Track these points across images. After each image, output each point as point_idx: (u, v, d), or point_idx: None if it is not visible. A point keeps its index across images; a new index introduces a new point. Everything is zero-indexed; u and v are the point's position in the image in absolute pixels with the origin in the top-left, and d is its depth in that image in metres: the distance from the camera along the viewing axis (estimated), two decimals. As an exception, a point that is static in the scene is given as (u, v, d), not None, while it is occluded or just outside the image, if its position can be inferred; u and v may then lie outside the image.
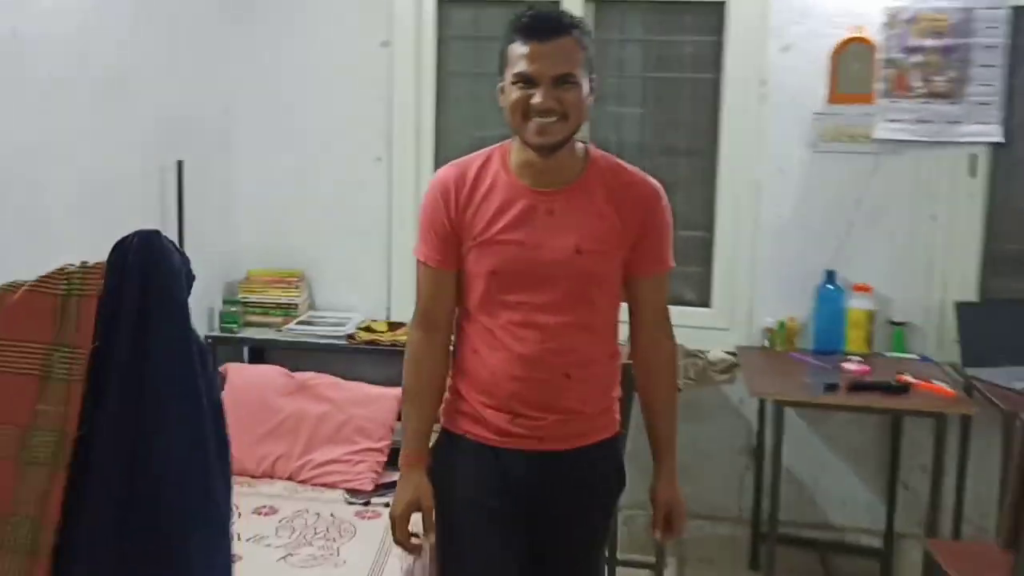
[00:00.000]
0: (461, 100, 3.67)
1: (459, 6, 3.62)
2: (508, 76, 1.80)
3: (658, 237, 1.92)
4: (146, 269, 1.04)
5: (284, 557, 2.44)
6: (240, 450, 2.94)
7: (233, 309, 3.50)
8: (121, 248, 1.04)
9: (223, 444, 1.10)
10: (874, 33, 3.31)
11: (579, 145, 1.89)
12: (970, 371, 3.17)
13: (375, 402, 3.02)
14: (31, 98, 2.47)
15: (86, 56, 2.69)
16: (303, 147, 3.64)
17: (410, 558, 2.50)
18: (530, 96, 1.76)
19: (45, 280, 1.04)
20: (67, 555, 1.01)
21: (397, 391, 3.03)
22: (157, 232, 1.06)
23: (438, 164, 3.59)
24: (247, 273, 3.62)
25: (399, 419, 3.03)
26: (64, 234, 2.57)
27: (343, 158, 3.63)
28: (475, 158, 1.91)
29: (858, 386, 2.98)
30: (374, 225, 3.62)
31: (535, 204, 1.84)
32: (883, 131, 3.35)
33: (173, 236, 3.14)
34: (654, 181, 1.94)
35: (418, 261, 1.93)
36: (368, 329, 3.40)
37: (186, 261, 1.08)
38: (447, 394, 1.98)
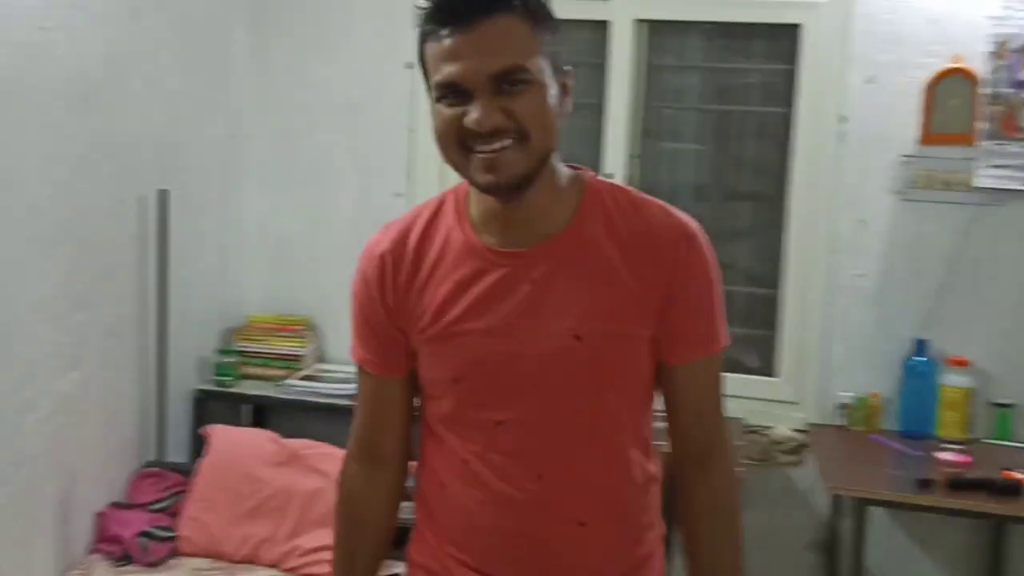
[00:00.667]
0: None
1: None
2: (431, 92, 1.22)
3: (696, 301, 1.30)
4: None
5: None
6: (219, 529, 2.57)
7: (229, 360, 3.11)
8: None
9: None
10: (977, 64, 2.85)
11: (564, 172, 1.29)
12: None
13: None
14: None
15: (54, 55, 2.34)
16: (315, 179, 3.30)
17: None
18: (462, 116, 1.17)
19: None
20: None
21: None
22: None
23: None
24: (247, 319, 3.24)
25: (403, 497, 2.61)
26: (21, 274, 2.21)
27: (359, 193, 3.28)
28: (420, 213, 1.34)
29: (959, 483, 2.49)
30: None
31: (506, 273, 1.26)
32: (986, 178, 2.87)
33: (152, 275, 2.77)
34: (686, 219, 1.32)
35: (358, 371, 1.40)
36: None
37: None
38: (412, 534, 1.43)
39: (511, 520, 1.29)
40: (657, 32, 3.16)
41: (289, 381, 3.09)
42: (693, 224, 1.31)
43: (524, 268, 1.26)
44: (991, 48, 2.84)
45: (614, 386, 1.29)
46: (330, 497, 2.54)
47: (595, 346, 1.25)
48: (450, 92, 1.17)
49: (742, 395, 2.89)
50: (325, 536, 2.51)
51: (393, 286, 1.30)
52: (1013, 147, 2.85)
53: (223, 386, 3.09)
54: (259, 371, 3.16)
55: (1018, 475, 2.53)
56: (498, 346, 1.25)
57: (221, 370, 3.10)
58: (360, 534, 1.41)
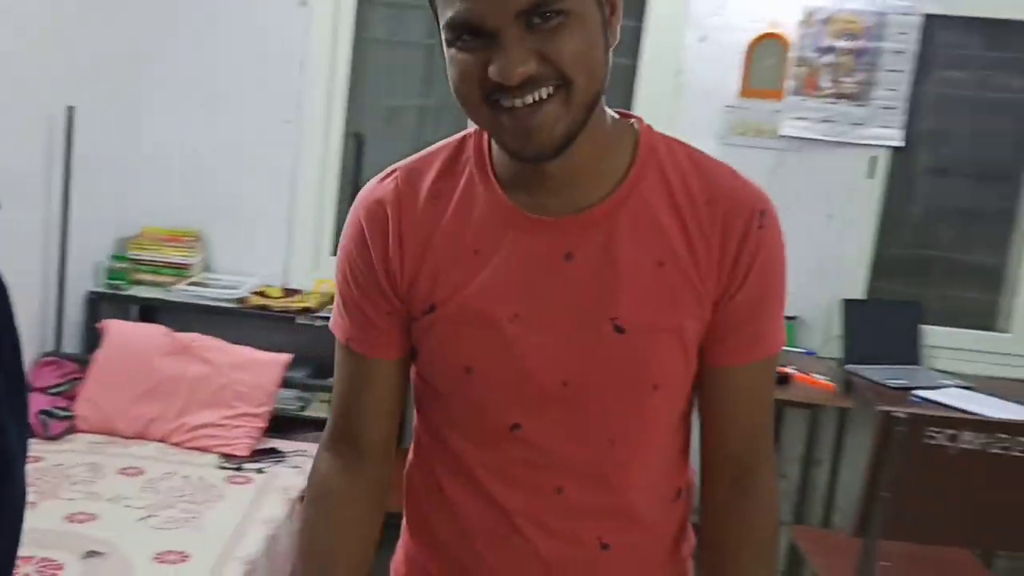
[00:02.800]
0: (378, 68, 3.60)
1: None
2: (442, 32, 0.95)
3: (762, 292, 1.05)
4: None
5: (143, 518, 2.36)
6: (114, 410, 2.88)
7: (122, 266, 3.39)
8: None
9: (17, 384, 1.06)
10: (790, 30, 3.33)
11: (611, 121, 1.04)
12: (851, 368, 3.22)
13: (257, 367, 2.95)
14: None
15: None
16: (212, 102, 3.53)
17: (274, 525, 2.45)
18: (485, 64, 0.91)
19: None
20: None
21: (281, 357, 2.99)
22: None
23: (347, 132, 3.53)
24: (141, 230, 3.51)
25: (282, 385, 2.99)
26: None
27: (252, 117, 3.53)
28: (433, 156, 1.08)
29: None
30: (277, 189, 3.53)
31: (540, 245, 1.02)
32: (789, 128, 3.37)
33: (58, 187, 3.04)
34: (761, 191, 1.07)
35: (337, 348, 1.13)
36: (261, 294, 3.32)
37: None
38: (398, 553, 1.22)
39: (520, 541, 1.07)
40: None
41: (178, 287, 3.39)
42: (767, 198, 1.07)
43: (562, 240, 1.01)
44: (801, 17, 3.33)
45: (659, 388, 1.04)
46: (215, 382, 2.93)
47: (641, 339, 1.02)
48: (467, 32, 0.92)
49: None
50: (209, 415, 2.88)
51: (397, 245, 1.04)
52: (811, 103, 3.36)
53: (115, 289, 3.36)
54: (150, 277, 3.43)
55: (790, 371, 3.07)
56: (524, 334, 1.02)
57: (114, 275, 3.37)
58: (338, 543, 1.10)
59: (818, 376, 3.07)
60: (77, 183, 3.09)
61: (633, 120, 1.07)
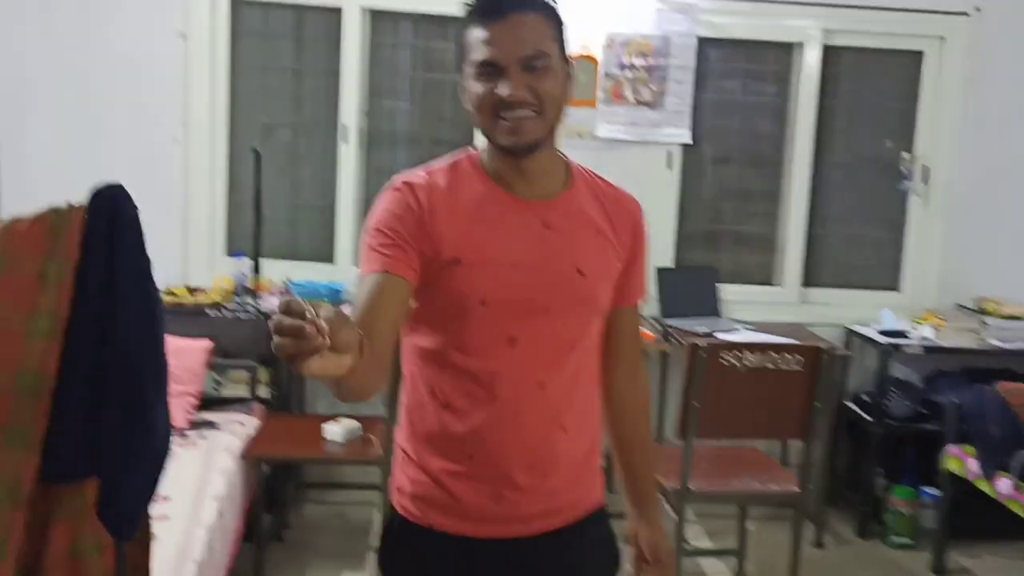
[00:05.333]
0: (252, 91, 4.13)
1: (250, 6, 4.08)
2: (468, 69, 1.46)
3: (643, 260, 1.66)
4: (116, 208, 1.53)
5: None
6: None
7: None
8: (97, 194, 1.53)
9: (162, 328, 1.62)
10: (597, 51, 4.12)
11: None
12: (668, 321, 4.06)
13: (184, 352, 3.43)
14: None
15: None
16: (104, 127, 3.94)
17: (230, 473, 2.98)
18: (495, 88, 1.43)
19: (42, 213, 1.51)
20: (58, 403, 1.49)
21: (203, 343, 3.51)
22: (122, 186, 1.55)
23: (232, 146, 4.05)
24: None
25: (207, 368, 3.51)
26: None
27: (142, 137, 3.97)
28: (437, 167, 1.55)
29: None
30: (171, 199, 4.00)
31: (528, 217, 1.51)
32: (602, 131, 4.18)
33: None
34: (632, 195, 1.68)
35: (360, 281, 1.47)
36: (170, 293, 3.80)
37: (136, 209, 1.58)
38: (394, 466, 1.63)
39: (514, 424, 1.50)
40: (378, 20, 4.14)
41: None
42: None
43: (540, 215, 1.51)
44: (605, 42, 4.13)
45: (599, 313, 1.58)
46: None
47: (593, 281, 1.53)
48: (487, 69, 1.43)
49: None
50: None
51: (430, 214, 1.47)
52: (619, 109, 4.18)
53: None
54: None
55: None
56: (520, 276, 1.48)
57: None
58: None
59: (642, 329, 3.87)
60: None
61: (561, 154, 1.60)
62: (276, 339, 1.03)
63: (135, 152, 3.97)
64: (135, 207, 1.54)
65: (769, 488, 3.28)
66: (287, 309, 1.03)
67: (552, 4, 1.51)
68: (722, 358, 3.12)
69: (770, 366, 3.14)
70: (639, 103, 4.18)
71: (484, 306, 1.47)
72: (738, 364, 3.14)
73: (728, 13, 4.21)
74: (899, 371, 4.25)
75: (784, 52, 4.36)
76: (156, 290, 1.58)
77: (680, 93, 4.20)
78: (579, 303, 1.54)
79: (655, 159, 4.25)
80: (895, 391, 4.03)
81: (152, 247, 3.85)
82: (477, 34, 1.45)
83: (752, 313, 4.27)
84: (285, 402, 3.86)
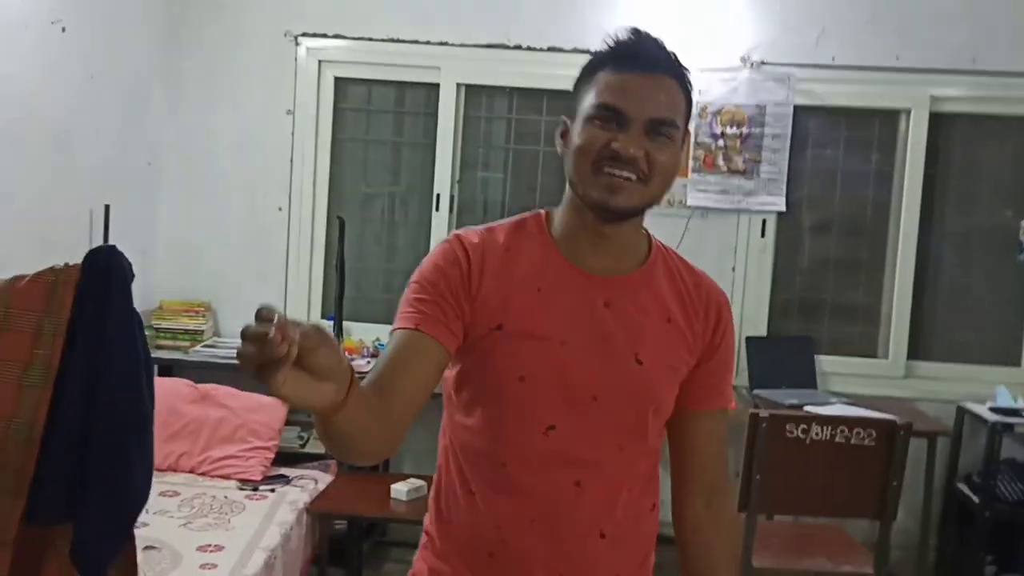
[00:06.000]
0: (353, 162, 4.35)
1: (354, 83, 4.32)
2: (584, 109, 1.33)
3: (726, 359, 1.45)
4: (109, 268, 1.67)
5: (184, 524, 3.02)
6: (150, 448, 3.53)
7: (146, 334, 4.06)
8: (93, 254, 1.68)
9: (150, 380, 1.74)
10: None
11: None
12: (757, 392, 3.94)
13: (265, 409, 3.62)
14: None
15: (36, 111, 3.28)
16: (216, 196, 4.25)
17: (287, 527, 3.09)
18: (611, 138, 1.29)
19: (42, 272, 1.67)
20: (46, 450, 1.62)
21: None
22: (115, 248, 1.69)
23: (330, 213, 4.26)
24: (160, 303, 4.20)
25: (286, 424, 3.66)
26: (4, 264, 3.12)
27: (250, 207, 4.25)
28: (499, 226, 1.42)
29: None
30: (273, 263, 4.25)
31: (588, 292, 1.36)
32: (694, 199, 4.14)
33: (100, 267, 3.73)
34: (718, 285, 1.49)
35: (390, 335, 1.34)
36: (265, 352, 4.00)
37: (131, 269, 1.72)
38: (419, 548, 1.47)
39: (544, 525, 1.34)
40: (472, 94, 4.30)
41: (193, 349, 4.07)
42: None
43: (603, 293, 1.36)
44: (696, 111, 4.13)
45: (657, 411, 1.39)
46: (232, 422, 3.58)
47: (652, 372, 1.35)
48: (609, 115, 1.29)
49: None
50: (228, 449, 3.54)
51: (480, 273, 1.34)
52: (710, 178, 4.14)
53: (142, 353, 4.03)
54: (169, 342, 4.12)
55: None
56: (569, 356, 1.32)
57: (141, 341, 4.05)
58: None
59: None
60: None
61: (646, 231, 1.46)
62: (240, 347, 0.93)
63: (246, 221, 4.25)
64: (128, 267, 1.67)
65: (841, 569, 3.10)
66: (256, 316, 0.92)
67: (688, 75, 1.38)
68: (787, 430, 3.00)
69: (839, 440, 3.01)
70: (732, 172, 4.14)
71: (522, 382, 1.32)
72: (804, 437, 3.02)
73: (828, 81, 4.12)
74: (1016, 452, 3.95)
75: (889, 119, 4.22)
76: (144, 344, 1.70)
77: (775, 161, 4.13)
78: (633, 395, 1.35)
79: (748, 227, 4.18)
80: (1007, 472, 3.75)
81: (254, 309, 4.15)
82: (612, 77, 1.32)
83: (853, 386, 4.10)
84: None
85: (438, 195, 4.21)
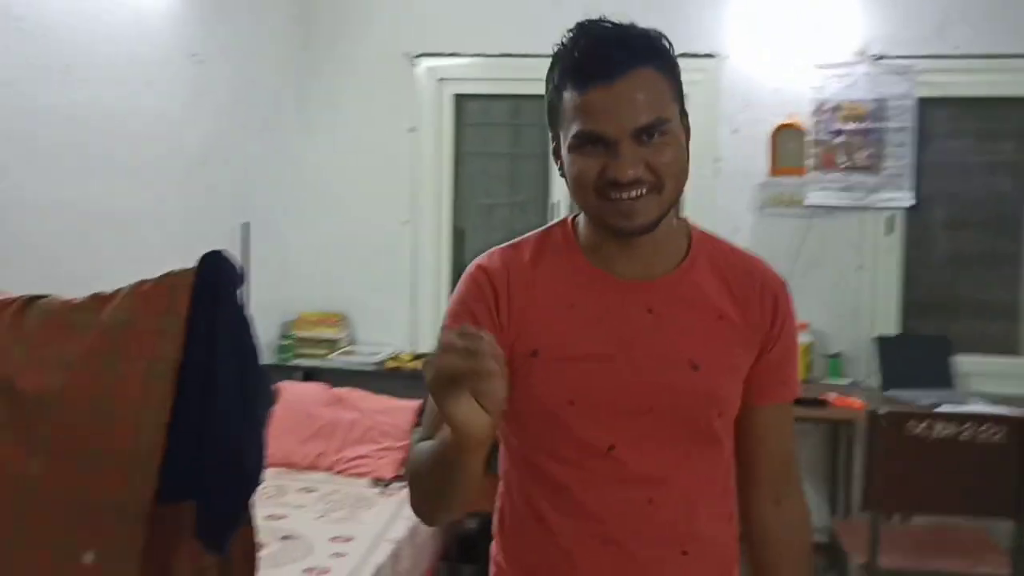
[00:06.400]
0: (473, 175, 4.51)
1: (472, 99, 4.48)
2: (566, 137, 1.22)
3: (788, 347, 1.34)
4: (217, 271, 1.84)
5: (319, 517, 3.21)
6: (291, 448, 3.75)
7: (287, 342, 4.33)
8: (204, 259, 1.86)
9: (260, 373, 1.90)
10: (804, 119, 4.07)
11: (674, 216, 1.31)
12: (890, 393, 3.83)
13: (396, 411, 3.79)
14: (138, 171, 3.33)
15: (181, 139, 3.57)
16: (346, 212, 4.49)
17: (416, 521, 3.23)
18: (604, 166, 1.19)
19: (162, 277, 1.86)
20: (171, 437, 1.81)
21: (415, 403, 3.83)
22: (223, 252, 1.86)
23: (455, 225, 4.42)
24: (299, 314, 4.46)
25: (416, 425, 3.83)
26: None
27: (377, 221, 4.46)
28: (525, 241, 1.35)
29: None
30: (402, 275, 4.44)
31: (626, 301, 1.27)
32: (814, 198, 4.08)
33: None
34: (777, 272, 1.37)
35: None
36: (395, 359, 4.20)
37: (242, 272, 1.88)
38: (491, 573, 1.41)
39: (616, 550, 1.26)
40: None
41: (331, 356, 4.30)
42: (781, 276, 1.35)
43: (643, 299, 1.27)
44: (813, 108, 4.07)
45: (723, 414, 1.30)
46: (365, 424, 3.77)
47: (711, 376, 1.26)
48: (591, 141, 1.18)
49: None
50: (362, 449, 3.73)
51: (506, 300, 1.27)
52: (831, 176, 4.07)
53: (283, 361, 4.30)
54: (308, 350, 4.37)
55: (828, 396, 3.71)
56: (617, 371, 1.24)
57: (281, 350, 4.32)
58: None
59: (854, 399, 3.70)
60: (253, 281, 4.04)
61: (686, 218, 1.37)
62: (441, 358, 0.94)
63: (373, 235, 4.46)
64: (236, 268, 1.83)
65: (975, 570, 3.00)
66: (461, 332, 0.95)
67: (667, 49, 1.24)
68: (908, 428, 2.94)
69: (964, 437, 2.91)
70: (854, 168, 4.06)
71: (573, 406, 1.25)
72: (927, 435, 2.94)
73: (952, 71, 3.99)
74: None
75: (1020, 107, 4.04)
76: (250, 338, 1.86)
77: (900, 156, 4.02)
78: (693, 403, 1.27)
79: (874, 225, 4.08)
80: None
81: (385, 318, 4.29)
82: (577, 99, 1.19)
83: (993, 385, 3.93)
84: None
85: (554, 204, 4.31)
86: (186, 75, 3.58)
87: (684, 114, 1.27)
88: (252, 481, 1.85)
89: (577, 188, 1.24)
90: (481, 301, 1.29)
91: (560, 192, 4.32)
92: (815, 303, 4.09)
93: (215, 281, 1.83)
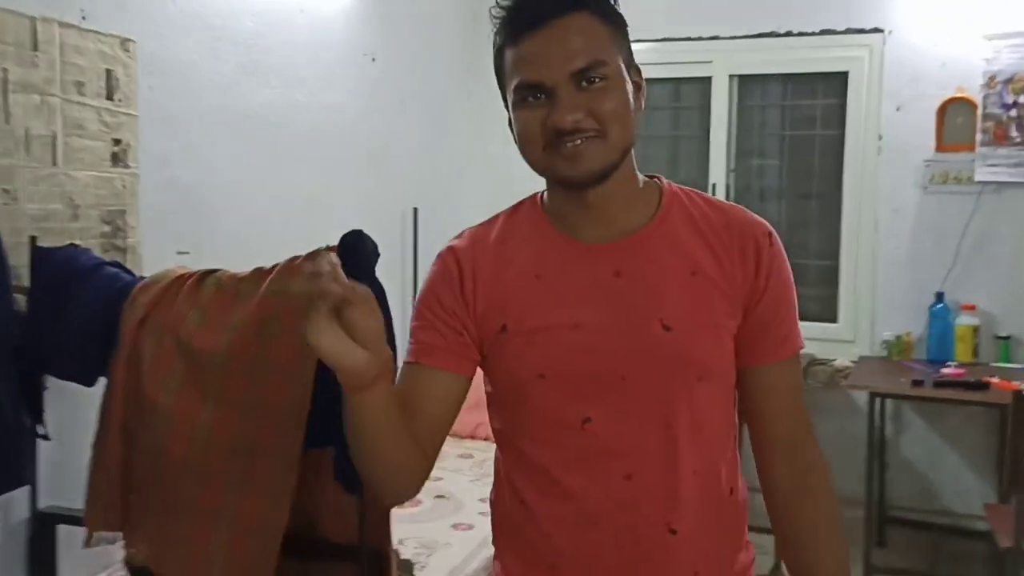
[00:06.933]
0: (636, 159, 4.61)
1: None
2: (510, 96, 1.21)
3: (781, 297, 1.25)
4: (355, 247, 2.09)
5: (472, 481, 3.46)
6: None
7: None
8: (344, 237, 2.12)
9: (392, 345, 2.14)
10: (974, 92, 3.92)
11: (641, 177, 1.28)
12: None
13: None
14: (321, 162, 3.68)
15: (358, 132, 3.90)
16: (513, 197, 4.68)
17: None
18: (545, 116, 1.16)
19: (310, 253, 2.13)
20: (315, 390, 2.08)
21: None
22: (361, 231, 2.12)
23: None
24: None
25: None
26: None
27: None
28: (496, 218, 1.32)
29: (942, 383, 3.58)
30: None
31: (593, 265, 1.22)
32: (983, 174, 3.93)
33: (409, 266, 4.32)
34: (760, 219, 1.27)
35: (404, 366, 1.27)
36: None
37: (375, 247, 2.13)
38: (492, 568, 1.37)
39: (597, 531, 1.20)
40: (745, 83, 4.41)
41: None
42: (770, 225, 1.26)
43: (610, 261, 1.21)
44: (984, 81, 3.92)
45: (703, 377, 1.20)
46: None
47: (685, 336, 1.18)
48: (531, 92, 1.16)
49: (812, 337, 4.11)
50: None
51: (473, 280, 1.24)
52: (1002, 151, 3.91)
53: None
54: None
55: (992, 380, 3.59)
56: (584, 339, 1.18)
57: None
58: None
59: (1018, 383, 3.56)
60: (420, 262, 4.35)
61: (657, 178, 1.30)
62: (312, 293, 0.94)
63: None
64: (372, 246, 2.09)
65: None
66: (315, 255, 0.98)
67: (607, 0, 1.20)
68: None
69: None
70: (1028, 142, 3.88)
71: (543, 379, 1.20)
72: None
73: None
74: None
75: None
76: (385, 306, 2.10)
77: (1080, 127, 3.81)
78: (667, 366, 1.19)
79: (1051, 201, 3.90)
80: None
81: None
82: (515, 53, 1.18)
83: None
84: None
85: (713, 184, 4.36)
86: (363, 74, 3.91)
87: (633, 67, 1.22)
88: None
89: (525, 145, 1.20)
90: (447, 283, 1.26)
91: (718, 174, 4.38)
92: (983, 284, 3.96)
93: (355, 256, 2.09)
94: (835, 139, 4.22)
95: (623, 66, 1.19)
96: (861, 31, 4.06)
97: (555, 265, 1.23)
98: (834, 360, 4.18)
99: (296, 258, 2.15)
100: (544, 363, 1.20)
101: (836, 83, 4.20)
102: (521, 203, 1.33)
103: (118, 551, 2.34)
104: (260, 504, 2.11)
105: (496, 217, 1.32)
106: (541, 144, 1.18)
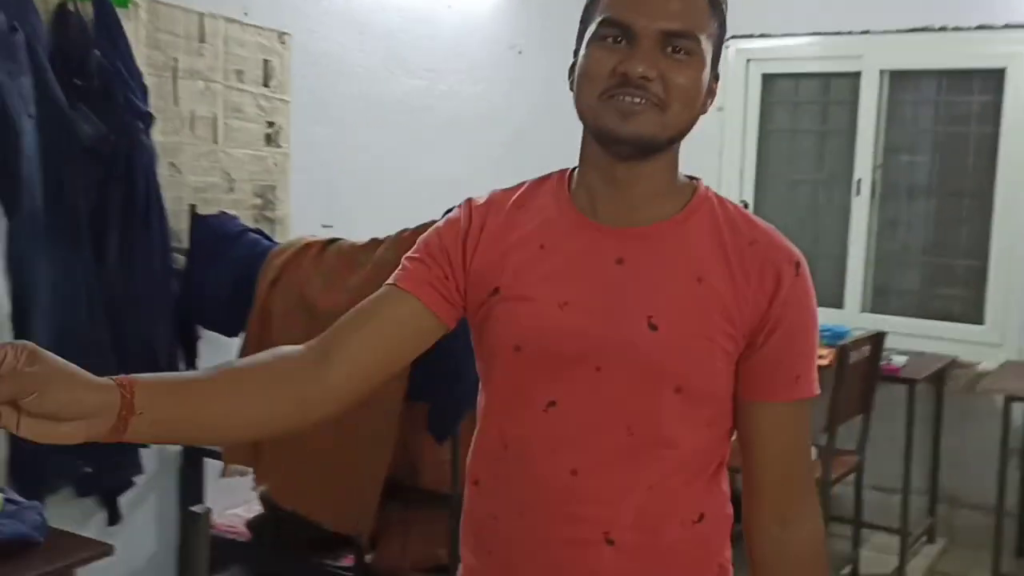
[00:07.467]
0: (779, 152, 4.63)
1: (782, 78, 4.59)
2: (589, 32, 1.13)
3: (797, 334, 1.14)
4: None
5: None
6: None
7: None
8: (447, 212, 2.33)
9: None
10: None
11: (683, 177, 1.20)
12: None
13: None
14: (461, 147, 3.90)
15: (499, 120, 4.11)
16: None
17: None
18: (619, 61, 1.09)
19: (419, 226, 2.35)
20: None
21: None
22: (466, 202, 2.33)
23: (757, 201, 4.58)
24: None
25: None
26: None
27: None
28: (520, 185, 1.27)
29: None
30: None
31: (598, 247, 1.15)
32: None
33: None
34: (793, 246, 1.17)
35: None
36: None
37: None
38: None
39: (528, 521, 1.14)
40: (897, 79, 4.31)
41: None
42: (799, 252, 1.16)
43: (616, 246, 1.14)
44: None
45: (682, 390, 1.11)
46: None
47: (671, 340, 1.10)
48: (614, 33, 1.10)
49: (957, 339, 4.02)
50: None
51: (478, 238, 1.19)
52: None
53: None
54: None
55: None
56: (569, 319, 1.12)
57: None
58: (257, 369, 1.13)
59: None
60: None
61: (698, 180, 1.21)
62: None
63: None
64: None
65: None
66: None
67: None
68: None
69: None
70: None
71: (518, 352, 1.14)
72: None
73: None
74: None
75: None
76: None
77: None
78: (644, 368, 1.10)
79: None
80: None
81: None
82: None
83: None
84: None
85: (859, 180, 4.30)
86: (506, 65, 4.12)
87: (716, 67, 1.16)
88: (471, 390, 2.30)
89: (584, 83, 1.12)
90: (452, 229, 1.21)
91: (864, 169, 4.31)
92: None
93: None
94: (990, 137, 4.08)
95: (709, 58, 1.13)
96: (1021, 27, 3.90)
97: (561, 238, 1.17)
98: (978, 363, 4.04)
99: (405, 231, 2.38)
100: (522, 335, 1.14)
101: (993, 80, 4.06)
102: (549, 175, 1.27)
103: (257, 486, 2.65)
104: (364, 451, 2.36)
105: (521, 183, 1.27)
106: (600, 88, 1.10)
